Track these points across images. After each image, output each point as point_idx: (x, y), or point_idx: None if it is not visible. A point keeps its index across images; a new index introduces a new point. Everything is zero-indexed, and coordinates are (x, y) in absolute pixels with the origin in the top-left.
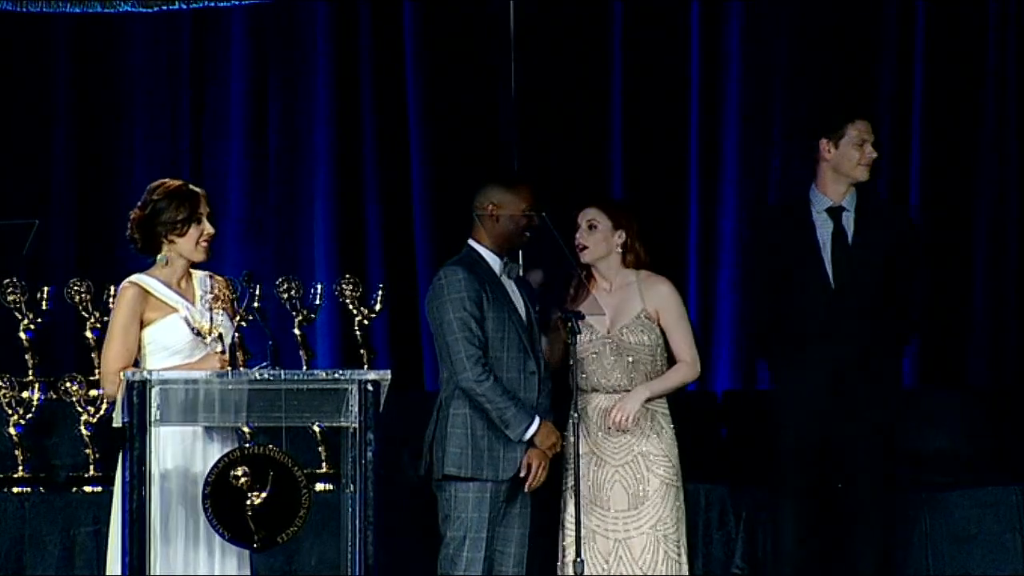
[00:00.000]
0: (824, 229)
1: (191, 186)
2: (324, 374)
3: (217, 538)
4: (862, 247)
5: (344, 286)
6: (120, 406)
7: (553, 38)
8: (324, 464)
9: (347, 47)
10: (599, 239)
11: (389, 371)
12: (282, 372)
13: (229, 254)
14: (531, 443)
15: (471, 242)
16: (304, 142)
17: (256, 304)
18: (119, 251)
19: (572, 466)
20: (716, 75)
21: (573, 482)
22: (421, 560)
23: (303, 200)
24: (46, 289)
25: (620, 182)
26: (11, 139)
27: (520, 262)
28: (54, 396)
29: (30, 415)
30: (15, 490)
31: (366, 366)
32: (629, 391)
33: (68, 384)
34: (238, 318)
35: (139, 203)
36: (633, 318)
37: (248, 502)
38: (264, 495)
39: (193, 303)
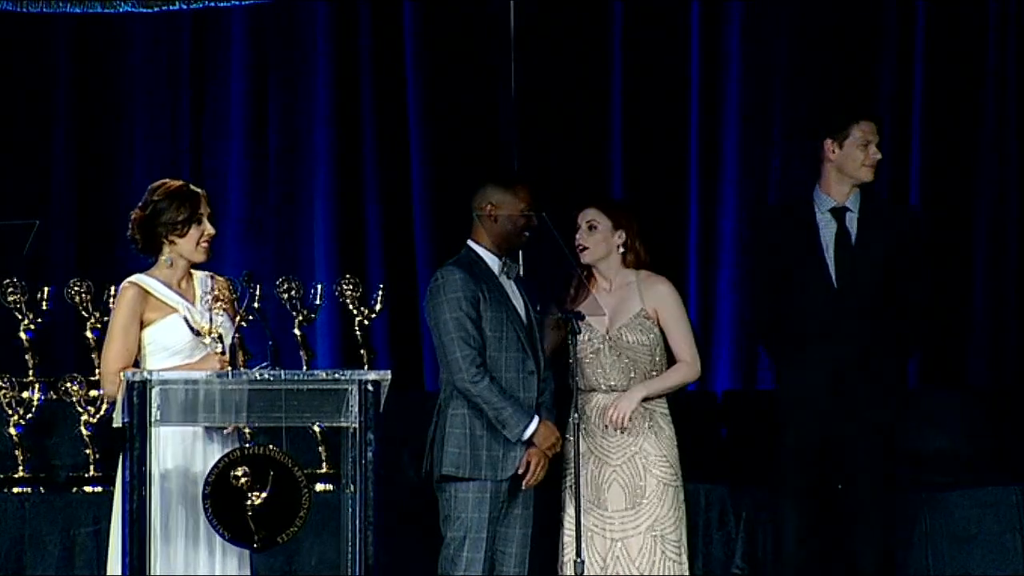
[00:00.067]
0: (827, 229)
1: (192, 186)
2: (324, 374)
3: (217, 538)
4: (865, 248)
5: (344, 286)
6: (120, 406)
7: (553, 38)
8: (324, 464)
9: (347, 47)
10: (599, 240)
11: (389, 371)
12: (282, 372)
13: (229, 254)
14: (531, 443)
15: (470, 242)
16: (304, 142)
17: (256, 304)
18: (119, 251)
19: (572, 466)
20: (716, 75)
21: (572, 482)
22: (421, 560)
23: (303, 200)
24: (46, 289)
25: (620, 182)
26: (11, 139)
27: (519, 262)
28: (54, 396)
29: (30, 415)
30: (15, 490)
31: (366, 366)
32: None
33: (68, 384)
34: (238, 318)
35: (140, 203)
36: (631, 317)
37: (248, 502)
38: (264, 495)
39: (193, 303)
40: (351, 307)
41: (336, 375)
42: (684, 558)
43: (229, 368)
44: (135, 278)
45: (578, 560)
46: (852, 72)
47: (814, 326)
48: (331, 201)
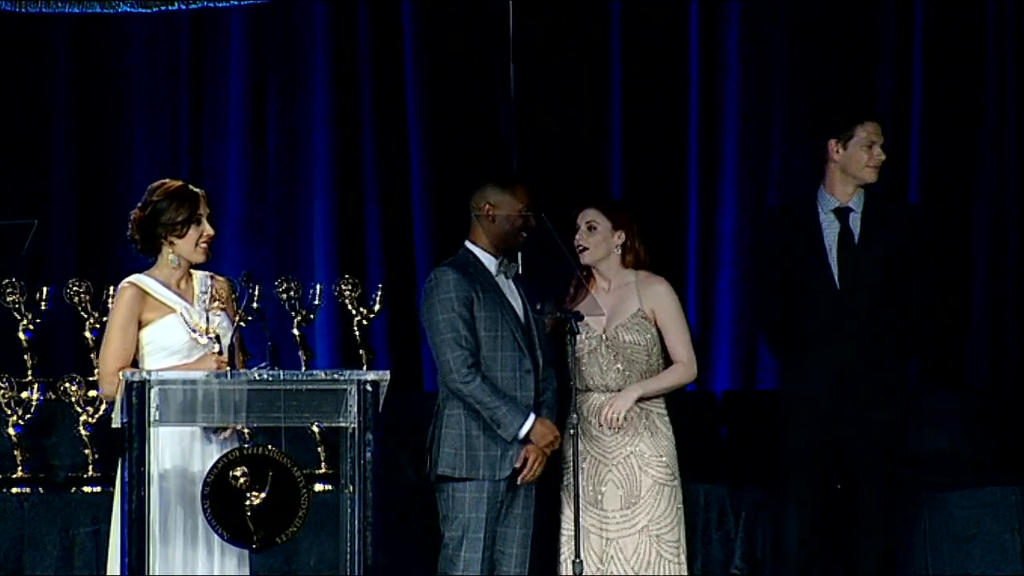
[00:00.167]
0: (831, 230)
1: (191, 187)
2: (323, 374)
3: (216, 538)
4: (868, 248)
5: (343, 286)
6: (119, 406)
7: (553, 38)
8: (323, 464)
9: (346, 47)
10: (599, 240)
11: (388, 371)
12: (281, 372)
13: (228, 254)
14: (528, 440)
15: (467, 243)
16: (303, 142)
17: (255, 304)
18: (119, 251)
19: (569, 465)
20: (716, 75)
21: (569, 481)
22: (421, 560)
23: (302, 200)
24: (45, 289)
25: (620, 182)
26: (11, 139)
27: (517, 261)
28: (53, 396)
29: (29, 415)
30: (14, 490)
31: (365, 366)
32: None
33: (67, 384)
34: (237, 318)
35: (139, 204)
36: (629, 317)
37: (247, 502)
38: (263, 495)
39: (192, 303)
40: (350, 307)
41: (335, 375)
42: (683, 558)
43: (227, 368)
44: (133, 278)
45: (576, 560)
46: (852, 72)
47: (817, 326)
48: (330, 201)
